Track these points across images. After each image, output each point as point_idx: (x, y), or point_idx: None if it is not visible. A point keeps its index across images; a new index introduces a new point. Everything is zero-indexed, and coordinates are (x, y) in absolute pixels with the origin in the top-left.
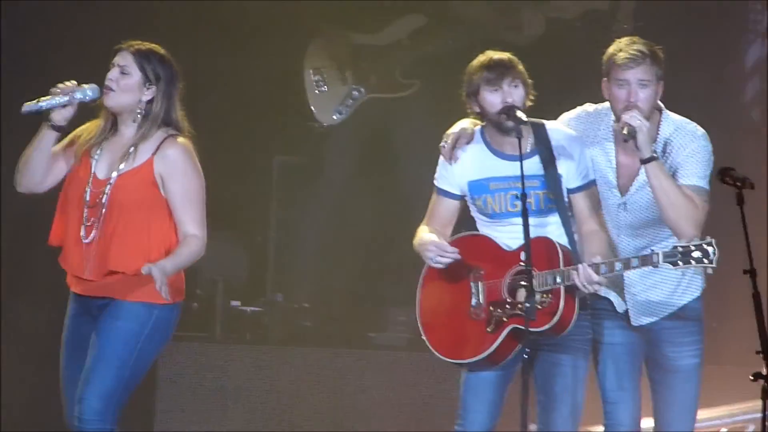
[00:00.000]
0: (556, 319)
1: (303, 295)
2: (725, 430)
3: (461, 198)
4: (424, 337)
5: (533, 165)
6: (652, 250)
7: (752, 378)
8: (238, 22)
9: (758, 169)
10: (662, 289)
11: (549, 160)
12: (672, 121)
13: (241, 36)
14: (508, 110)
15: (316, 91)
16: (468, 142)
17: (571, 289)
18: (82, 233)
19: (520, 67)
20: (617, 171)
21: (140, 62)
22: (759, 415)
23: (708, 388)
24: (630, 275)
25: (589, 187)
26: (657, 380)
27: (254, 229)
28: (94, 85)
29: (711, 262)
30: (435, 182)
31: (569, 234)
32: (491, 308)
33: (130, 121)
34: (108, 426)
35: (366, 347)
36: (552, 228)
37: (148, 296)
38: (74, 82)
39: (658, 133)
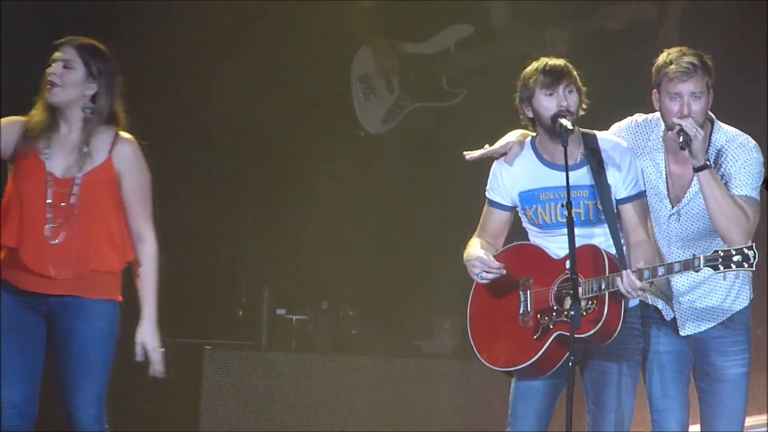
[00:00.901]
0: (599, 325)
1: (349, 302)
2: None
3: (512, 209)
4: (473, 347)
5: (583, 175)
6: (694, 255)
7: None
8: (286, 30)
9: None
10: (711, 299)
11: (599, 170)
12: (724, 132)
13: (288, 43)
14: (563, 114)
15: (363, 100)
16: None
17: (617, 296)
18: (47, 233)
19: (575, 73)
20: (668, 181)
21: (84, 56)
22: None
23: (754, 395)
24: (679, 285)
25: (639, 197)
26: (704, 389)
27: (300, 237)
28: None
29: (751, 266)
30: (486, 194)
31: (617, 245)
32: (538, 316)
33: (73, 118)
34: (104, 426)
35: (412, 355)
36: (600, 239)
37: (112, 293)
38: None
39: (710, 144)
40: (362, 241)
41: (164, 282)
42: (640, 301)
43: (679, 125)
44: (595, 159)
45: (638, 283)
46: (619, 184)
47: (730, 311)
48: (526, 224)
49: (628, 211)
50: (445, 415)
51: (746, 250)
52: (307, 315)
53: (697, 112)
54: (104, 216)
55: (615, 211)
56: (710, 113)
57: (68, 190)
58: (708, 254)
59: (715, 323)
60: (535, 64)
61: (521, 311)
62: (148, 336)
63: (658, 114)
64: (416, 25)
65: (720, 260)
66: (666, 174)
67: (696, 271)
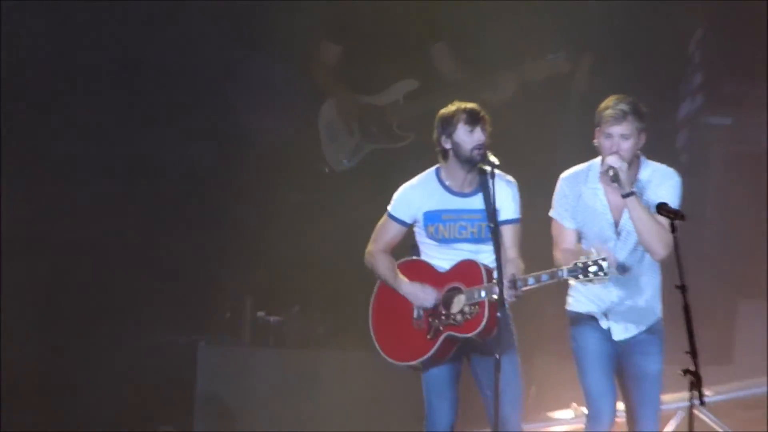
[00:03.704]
0: (482, 326)
1: (316, 306)
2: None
3: (410, 225)
4: (378, 347)
5: (477, 201)
6: (557, 267)
7: (682, 373)
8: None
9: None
10: (637, 312)
11: (489, 197)
12: (649, 164)
13: (264, 92)
14: (480, 147)
15: (329, 143)
16: None
17: (495, 301)
18: None
19: (487, 118)
20: (609, 207)
21: None
22: (687, 403)
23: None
24: (613, 303)
25: (516, 223)
26: (629, 385)
27: (276, 253)
28: None
29: (606, 274)
30: (390, 211)
31: (498, 258)
32: (430, 319)
33: None
34: None
35: (370, 350)
36: (486, 254)
37: None
38: None
39: (638, 176)
40: (326, 256)
41: (169, 289)
42: (575, 310)
43: (609, 165)
44: (486, 188)
45: (515, 291)
46: (503, 209)
47: (649, 321)
48: (423, 238)
49: (507, 232)
50: (397, 402)
51: (601, 262)
52: (281, 317)
53: (625, 150)
54: None
55: (500, 232)
56: (638, 151)
57: None
58: (569, 266)
59: (639, 331)
60: (458, 106)
61: (415, 315)
62: None
63: (592, 160)
64: (371, 80)
65: (579, 270)
66: (607, 202)
67: (560, 280)
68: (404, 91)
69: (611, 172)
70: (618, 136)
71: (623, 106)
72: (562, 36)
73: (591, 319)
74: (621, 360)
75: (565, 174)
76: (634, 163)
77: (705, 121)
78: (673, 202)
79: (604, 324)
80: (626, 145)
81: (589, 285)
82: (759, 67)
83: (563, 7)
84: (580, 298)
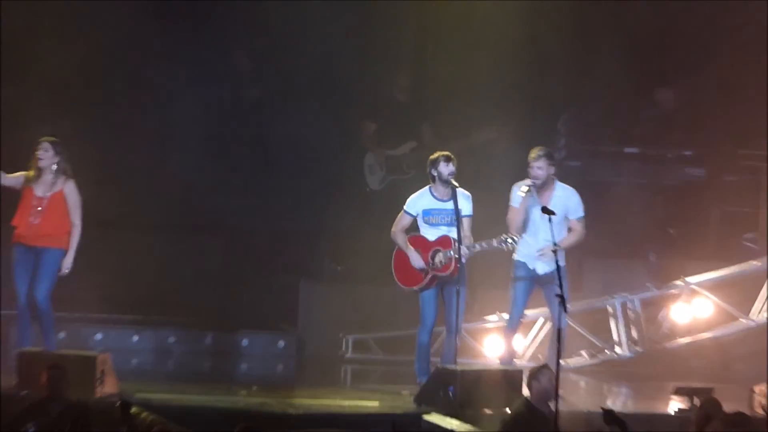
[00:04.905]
0: (450, 269)
1: (363, 263)
2: (543, 319)
3: (414, 217)
4: (398, 282)
5: (450, 204)
6: (493, 239)
7: (555, 297)
8: (328, 145)
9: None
10: (549, 260)
11: (455, 201)
12: (560, 185)
13: (330, 151)
14: (452, 174)
15: (369, 175)
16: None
17: (458, 257)
18: (30, 219)
19: (455, 159)
20: (539, 202)
21: (55, 148)
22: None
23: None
24: (539, 257)
25: (470, 217)
26: (548, 301)
27: (342, 231)
28: None
29: (517, 243)
30: (405, 209)
31: (458, 235)
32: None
33: (48, 172)
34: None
35: (392, 283)
36: (453, 232)
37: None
38: None
39: (553, 192)
40: (368, 233)
41: (284, 249)
42: (520, 260)
43: (530, 183)
44: (455, 198)
45: (468, 252)
46: (463, 209)
47: (560, 264)
48: (421, 222)
49: (465, 222)
50: (410, 308)
51: (515, 236)
52: (344, 265)
53: (542, 177)
54: (59, 211)
55: (461, 220)
56: (553, 176)
57: (41, 201)
58: (498, 239)
59: (552, 269)
60: (440, 153)
61: (417, 265)
62: (67, 261)
63: (528, 180)
64: (391, 141)
65: (503, 242)
66: (539, 199)
67: (493, 247)
68: (410, 148)
69: (529, 188)
70: (536, 168)
71: (540, 152)
72: (492, 118)
73: (526, 265)
74: (543, 286)
75: (516, 185)
76: (550, 184)
77: (566, 164)
78: (578, 210)
79: (531, 266)
80: (542, 172)
81: (527, 248)
82: (599, 135)
83: (492, 98)
84: (523, 255)
